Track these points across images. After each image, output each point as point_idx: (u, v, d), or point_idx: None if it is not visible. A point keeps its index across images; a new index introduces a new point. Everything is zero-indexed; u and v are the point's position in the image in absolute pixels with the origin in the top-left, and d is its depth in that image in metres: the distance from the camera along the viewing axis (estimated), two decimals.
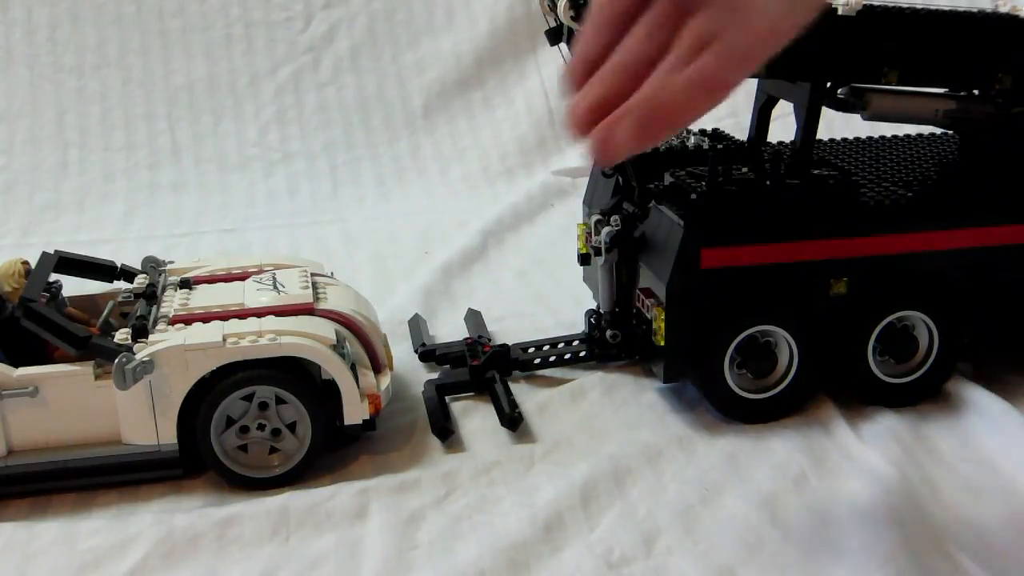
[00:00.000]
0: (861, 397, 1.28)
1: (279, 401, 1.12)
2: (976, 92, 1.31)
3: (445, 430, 1.21)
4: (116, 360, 1.06)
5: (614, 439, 1.21)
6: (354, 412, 1.14)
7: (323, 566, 1.01)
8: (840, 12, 1.15)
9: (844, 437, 1.20)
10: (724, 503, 1.09)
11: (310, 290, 1.21)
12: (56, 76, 2.27)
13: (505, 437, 1.22)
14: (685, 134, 1.42)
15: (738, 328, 1.21)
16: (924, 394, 1.28)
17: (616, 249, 1.29)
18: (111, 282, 1.30)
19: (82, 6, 2.34)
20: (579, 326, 1.43)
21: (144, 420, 1.10)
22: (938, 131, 1.53)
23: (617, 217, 1.29)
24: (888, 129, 1.54)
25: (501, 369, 1.33)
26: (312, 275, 1.27)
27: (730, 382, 1.22)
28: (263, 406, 1.12)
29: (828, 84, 1.24)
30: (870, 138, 1.54)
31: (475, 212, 1.99)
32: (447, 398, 1.30)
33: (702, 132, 1.43)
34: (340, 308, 1.20)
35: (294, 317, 1.16)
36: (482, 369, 1.32)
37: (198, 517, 1.07)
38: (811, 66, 1.20)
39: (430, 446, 1.21)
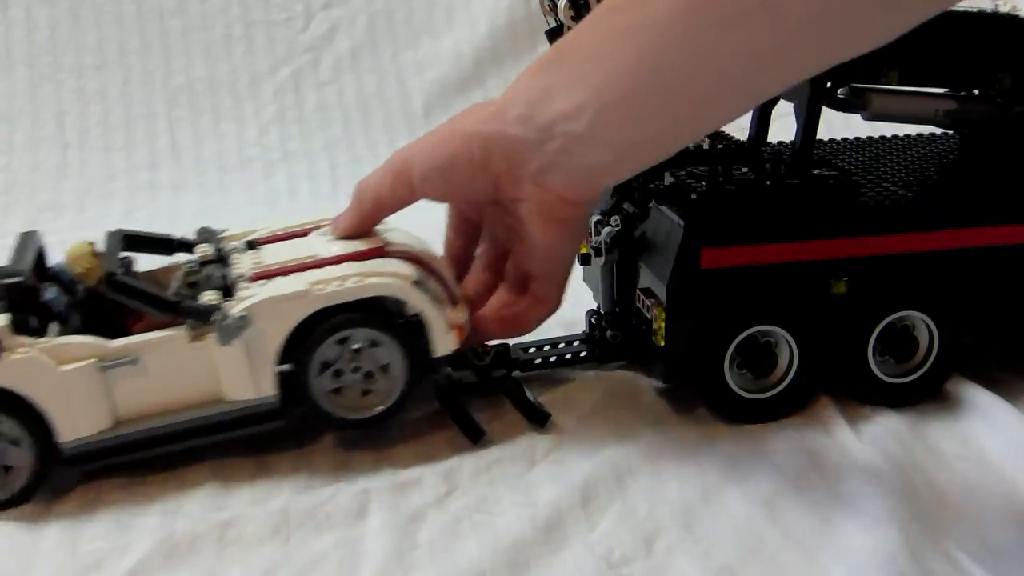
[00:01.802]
0: (861, 397, 1.28)
1: (371, 344, 1.15)
2: (976, 92, 1.31)
3: (478, 431, 1.22)
4: (216, 317, 1.08)
5: (614, 439, 1.21)
6: (443, 343, 1.17)
7: (323, 566, 1.01)
8: None
9: (844, 437, 1.20)
10: (724, 503, 1.09)
11: (376, 235, 1.23)
12: (56, 76, 2.28)
13: (505, 437, 1.22)
14: None
15: (738, 328, 1.21)
16: (924, 394, 1.28)
17: (616, 249, 1.29)
18: (170, 255, 1.31)
19: (82, 6, 2.34)
20: (579, 326, 1.43)
21: (243, 375, 1.12)
22: (938, 131, 1.53)
23: (617, 217, 1.29)
24: (888, 129, 1.54)
25: (508, 366, 1.32)
26: None
27: (730, 382, 1.23)
28: (355, 350, 1.14)
29: (828, 84, 1.24)
30: (870, 138, 1.54)
31: None
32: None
33: None
34: (410, 247, 1.23)
35: (370, 260, 1.17)
36: (489, 369, 1.31)
37: (199, 519, 1.07)
38: None
39: (431, 445, 1.21)
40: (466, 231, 1.28)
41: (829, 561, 1.00)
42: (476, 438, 1.20)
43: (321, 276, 1.13)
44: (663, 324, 1.20)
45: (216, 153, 2.23)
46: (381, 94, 2.35)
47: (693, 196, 1.20)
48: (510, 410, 1.27)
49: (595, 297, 1.41)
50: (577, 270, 1.46)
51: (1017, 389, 1.30)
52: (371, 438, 1.22)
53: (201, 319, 1.10)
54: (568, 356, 1.37)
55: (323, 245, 1.22)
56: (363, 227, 1.21)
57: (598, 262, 1.31)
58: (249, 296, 1.11)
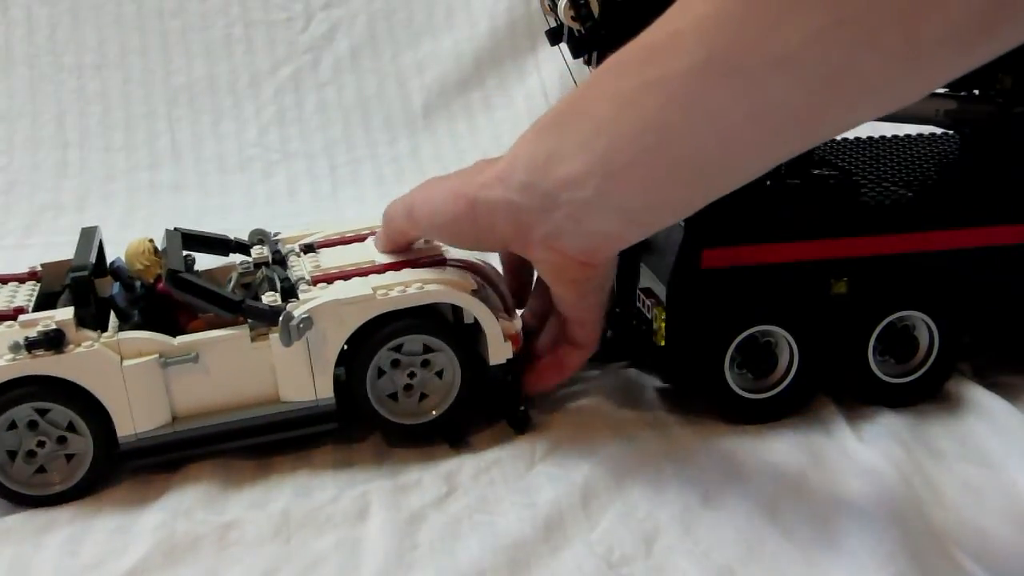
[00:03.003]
0: (861, 397, 1.28)
1: (427, 349, 1.16)
2: (976, 92, 1.31)
3: (457, 438, 1.22)
4: (281, 318, 1.09)
5: (614, 439, 1.21)
6: (498, 352, 1.18)
7: (324, 566, 1.01)
8: None
9: (844, 437, 1.20)
10: (724, 503, 1.09)
11: (434, 242, 1.25)
12: (56, 76, 2.27)
13: (506, 436, 1.22)
14: None
15: (739, 328, 1.21)
16: (924, 394, 1.28)
17: None
18: (226, 255, 1.32)
19: (82, 6, 2.34)
20: None
21: (302, 377, 1.13)
22: (938, 131, 1.53)
23: None
24: (888, 129, 1.54)
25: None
26: None
27: (730, 382, 1.23)
28: (395, 361, 1.16)
29: None
30: (870, 138, 1.54)
31: None
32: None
33: None
34: (467, 256, 1.24)
35: (429, 268, 1.19)
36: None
37: (199, 520, 1.07)
38: None
39: (431, 446, 1.21)
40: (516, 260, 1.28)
41: (829, 561, 1.00)
42: (455, 442, 1.21)
43: (383, 281, 1.15)
44: (663, 324, 1.20)
45: (216, 153, 2.22)
46: (381, 94, 2.34)
47: None
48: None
49: None
50: None
51: (1017, 389, 1.30)
52: (373, 440, 1.22)
53: (265, 320, 1.12)
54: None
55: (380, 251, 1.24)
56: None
57: None
58: (312, 298, 1.12)
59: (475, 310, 1.16)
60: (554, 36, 1.21)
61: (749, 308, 1.21)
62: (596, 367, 1.37)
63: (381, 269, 1.19)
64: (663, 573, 0.99)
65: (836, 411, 1.25)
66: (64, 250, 1.29)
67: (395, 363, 1.17)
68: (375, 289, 1.13)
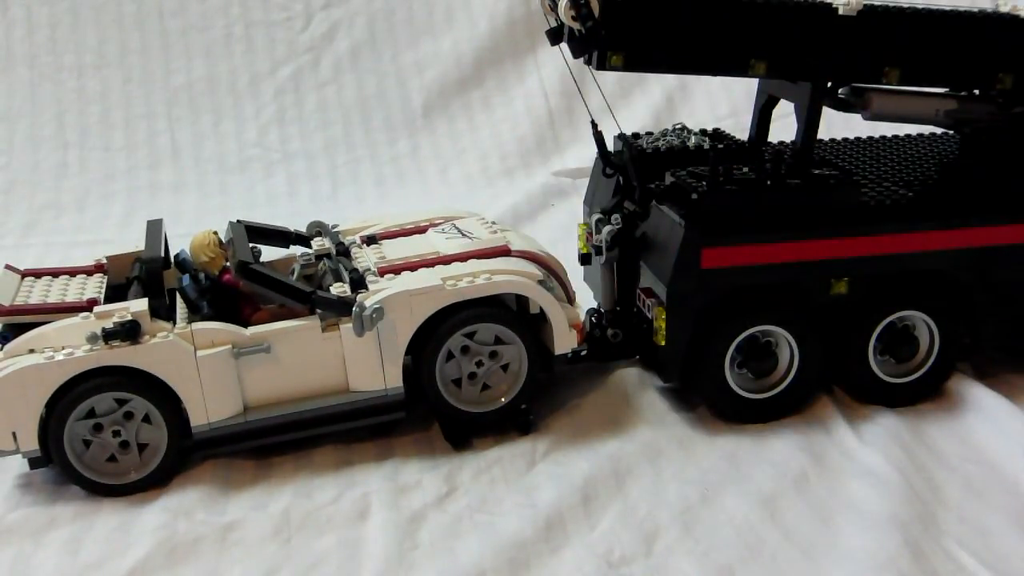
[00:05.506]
0: (861, 397, 1.28)
1: (497, 341, 1.18)
2: (976, 92, 1.31)
3: (459, 439, 1.22)
4: (355, 308, 1.10)
5: (614, 439, 1.21)
6: (564, 342, 1.20)
7: (324, 566, 1.01)
8: (840, 12, 1.15)
9: (844, 437, 1.20)
10: (724, 503, 1.09)
11: (500, 234, 1.26)
12: (56, 76, 2.27)
13: (506, 436, 1.22)
14: (686, 134, 1.42)
15: (739, 328, 1.21)
16: (924, 394, 1.28)
17: (617, 248, 1.29)
18: (286, 247, 1.33)
19: (82, 6, 2.34)
20: None
21: (372, 367, 1.15)
22: (938, 131, 1.53)
23: (618, 216, 1.29)
24: (888, 129, 1.54)
25: None
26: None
27: (730, 382, 1.23)
28: (464, 348, 1.17)
29: (828, 84, 1.24)
30: (870, 138, 1.54)
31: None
32: None
33: (703, 132, 1.43)
34: (530, 248, 1.26)
35: (494, 259, 1.21)
36: None
37: (200, 520, 1.07)
38: (811, 66, 1.20)
39: (432, 446, 1.21)
40: None
41: (829, 562, 1.01)
42: (457, 444, 1.21)
43: (451, 272, 1.16)
44: (663, 324, 1.20)
45: (216, 153, 2.23)
46: (381, 94, 2.35)
47: (694, 196, 1.20)
48: None
49: (596, 296, 1.41)
50: (578, 269, 1.46)
51: (1017, 389, 1.30)
52: (373, 439, 1.22)
53: (336, 310, 1.13)
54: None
55: (443, 242, 1.25)
56: None
57: (598, 261, 1.31)
58: (381, 289, 1.14)
59: (541, 300, 1.18)
60: (554, 36, 1.21)
61: (749, 308, 1.21)
62: (596, 367, 1.37)
63: (447, 260, 1.20)
64: (663, 573, 1.00)
65: (836, 411, 1.25)
66: (64, 250, 1.29)
67: (464, 350, 1.18)
68: (444, 279, 1.14)
